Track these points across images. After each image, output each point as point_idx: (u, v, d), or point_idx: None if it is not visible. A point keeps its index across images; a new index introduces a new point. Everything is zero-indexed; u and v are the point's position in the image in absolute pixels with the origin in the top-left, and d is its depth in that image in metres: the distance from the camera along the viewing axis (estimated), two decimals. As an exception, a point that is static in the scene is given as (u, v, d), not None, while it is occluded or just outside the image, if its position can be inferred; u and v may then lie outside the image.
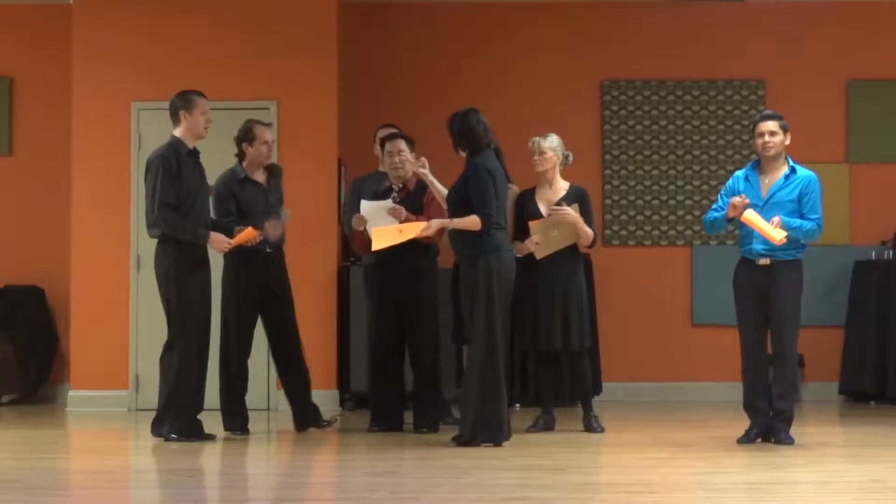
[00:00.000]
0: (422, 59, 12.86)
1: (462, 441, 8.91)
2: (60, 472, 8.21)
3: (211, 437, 9.31)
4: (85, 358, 11.72)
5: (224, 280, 9.78)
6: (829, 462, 8.46)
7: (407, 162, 9.84)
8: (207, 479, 7.91)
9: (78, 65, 11.88)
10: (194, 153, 9.43)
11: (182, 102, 9.44)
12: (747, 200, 8.97)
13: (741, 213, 8.95)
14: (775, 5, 12.88)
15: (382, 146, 10.00)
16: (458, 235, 9.03)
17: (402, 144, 9.90)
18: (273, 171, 9.95)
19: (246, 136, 9.83)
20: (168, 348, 9.40)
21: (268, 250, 9.73)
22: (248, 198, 9.73)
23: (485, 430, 8.86)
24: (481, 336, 8.86)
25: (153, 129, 11.74)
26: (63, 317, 12.23)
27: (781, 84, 12.81)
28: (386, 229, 9.39)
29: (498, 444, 8.87)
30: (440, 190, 9.42)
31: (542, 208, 9.78)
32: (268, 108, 11.60)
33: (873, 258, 12.40)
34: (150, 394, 11.58)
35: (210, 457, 8.68)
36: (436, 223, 9.14)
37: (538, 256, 9.67)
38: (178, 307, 9.29)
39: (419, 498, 7.02)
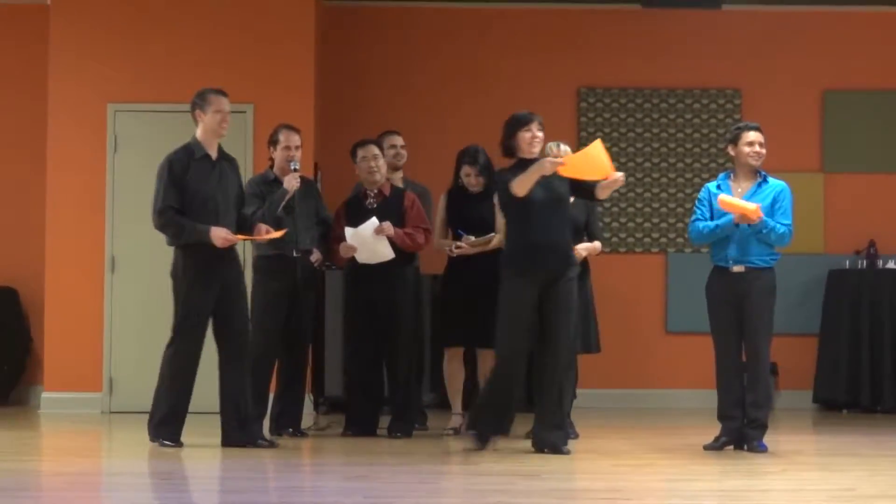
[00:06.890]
0: (399, 63, 12.86)
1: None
2: (32, 474, 8.16)
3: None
4: (58, 360, 11.68)
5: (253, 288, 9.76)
6: (801, 470, 8.48)
7: (381, 171, 9.81)
8: (181, 483, 7.88)
9: (54, 65, 11.84)
10: (209, 157, 9.05)
11: (197, 100, 9.09)
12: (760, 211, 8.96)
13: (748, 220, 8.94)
14: (752, 14, 12.92)
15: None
16: None
17: (377, 150, 9.88)
18: (307, 182, 9.91)
19: (270, 140, 9.86)
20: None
21: (294, 255, 9.67)
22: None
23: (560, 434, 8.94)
24: (568, 343, 8.94)
25: (129, 130, 11.72)
26: (37, 318, 12.19)
27: (757, 93, 12.85)
28: None
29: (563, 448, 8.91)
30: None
31: None
32: (244, 111, 11.58)
33: (847, 267, 12.45)
34: (124, 396, 11.56)
35: (185, 460, 8.66)
36: None
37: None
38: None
39: (392, 503, 7.01)
